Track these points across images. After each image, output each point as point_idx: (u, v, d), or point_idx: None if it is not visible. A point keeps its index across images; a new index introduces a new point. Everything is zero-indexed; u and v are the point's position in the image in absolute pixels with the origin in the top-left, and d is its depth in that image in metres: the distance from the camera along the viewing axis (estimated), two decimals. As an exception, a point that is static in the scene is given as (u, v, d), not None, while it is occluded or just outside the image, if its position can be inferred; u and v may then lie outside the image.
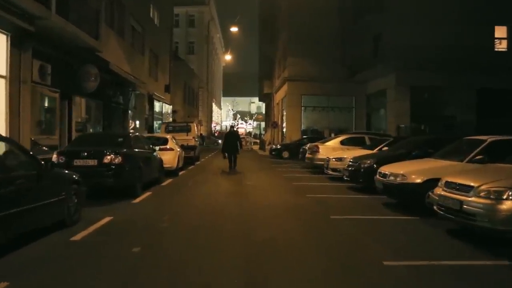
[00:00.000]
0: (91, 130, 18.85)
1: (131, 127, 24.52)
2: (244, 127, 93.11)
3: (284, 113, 36.32)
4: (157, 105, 32.65)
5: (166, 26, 36.15)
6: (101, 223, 7.63)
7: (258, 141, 52.30)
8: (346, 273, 5.16)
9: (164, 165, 14.66)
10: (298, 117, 33.65)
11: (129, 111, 24.39)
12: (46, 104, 15.61)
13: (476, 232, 6.70)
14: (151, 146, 13.75)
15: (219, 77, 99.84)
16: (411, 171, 9.08)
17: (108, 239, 6.63)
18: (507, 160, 7.39)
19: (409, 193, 8.84)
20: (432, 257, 5.66)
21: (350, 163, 13.02)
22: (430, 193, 8.56)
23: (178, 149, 17.21)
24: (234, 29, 53.36)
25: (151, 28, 29.83)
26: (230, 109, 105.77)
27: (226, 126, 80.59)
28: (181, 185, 13.70)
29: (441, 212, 6.93)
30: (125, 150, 10.58)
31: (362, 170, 12.09)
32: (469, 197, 6.32)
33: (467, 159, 8.76)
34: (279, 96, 40.33)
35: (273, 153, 29.88)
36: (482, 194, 6.19)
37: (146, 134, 20.30)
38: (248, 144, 50.00)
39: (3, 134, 10.21)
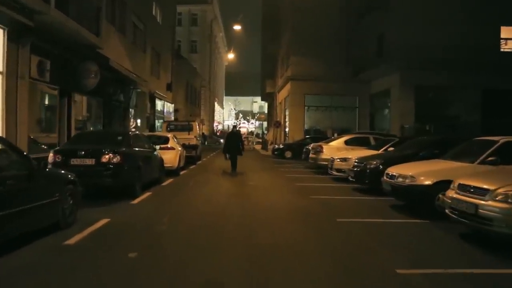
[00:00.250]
0: (91, 128, 18.55)
1: (132, 126, 24.21)
2: (246, 127, 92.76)
3: (287, 113, 35.98)
4: (159, 104, 32.33)
5: (169, 24, 35.85)
6: (98, 225, 7.30)
7: (260, 140, 51.99)
8: (357, 283, 4.81)
9: (165, 165, 14.34)
10: (301, 116, 33.33)
11: (130, 110, 24.07)
12: (45, 101, 15.32)
13: (491, 237, 6.35)
14: (151, 145, 13.42)
15: (221, 76, 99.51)
16: (420, 172, 8.74)
17: (103, 243, 6.30)
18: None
19: (418, 196, 8.50)
20: (448, 265, 5.32)
21: (356, 163, 12.69)
22: (440, 196, 8.26)
23: (179, 148, 16.88)
24: (237, 27, 53.01)
25: (153, 26, 29.51)
26: (232, 109, 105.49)
27: (228, 126, 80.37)
28: (182, 185, 13.37)
29: (454, 216, 6.60)
30: (124, 149, 10.24)
31: (368, 171, 11.75)
32: (485, 200, 5.98)
33: (478, 160, 8.41)
34: (282, 95, 40.01)
35: (276, 153, 29.58)
36: (499, 197, 5.85)
37: (146, 133, 19.96)
38: (250, 143, 49.69)
39: (-1, 132, 9.97)
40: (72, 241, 6.24)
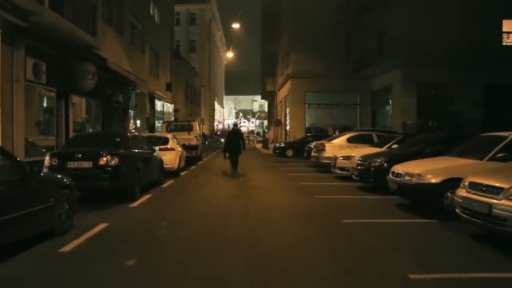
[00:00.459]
0: (90, 130, 18.31)
1: (132, 127, 23.96)
2: (247, 126, 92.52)
3: (288, 111, 35.74)
4: (158, 104, 32.07)
5: (167, 24, 35.54)
6: (95, 230, 7.04)
7: (261, 139, 51.76)
8: (368, 289, 4.55)
9: (165, 166, 14.08)
10: (302, 114, 33.08)
11: (130, 110, 23.82)
12: (42, 104, 15.05)
13: (505, 238, 6.07)
14: (150, 146, 13.16)
15: (221, 75, 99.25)
16: (427, 170, 8.47)
17: (100, 250, 6.04)
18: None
19: (426, 194, 8.23)
20: (462, 268, 5.04)
21: (359, 161, 12.42)
22: (449, 194, 8.02)
23: (179, 149, 16.62)
24: (235, 25, 52.62)
25: (151, 26, 29.24)
26: (233, 108, 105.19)
27: (229, 125, 79.96)
28: (182, 187, 13.11)
29: (465, 216, 6.33)
30: (122, 151, 9.97)
31: (372, 169, 11.48)
32: (499, 200, 5.70)
33: (487, 157, 8.13)
34: (282, 93, 39.76)
35: (277, 151, 29.33)
36: (513, 196, 5.58)
37: (145, 134, 19.70)
38: (251, 142, 49.45)
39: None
40: (67, 248, 5.98)
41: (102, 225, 7.40)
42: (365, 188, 12.19)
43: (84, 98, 17.79)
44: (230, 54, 74.89)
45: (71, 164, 9.34)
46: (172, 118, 34.68)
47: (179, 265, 5.32)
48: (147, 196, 10.81)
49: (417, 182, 8.34)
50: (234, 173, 16.72)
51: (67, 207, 6.86)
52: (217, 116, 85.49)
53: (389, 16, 24.87)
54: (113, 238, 6.77)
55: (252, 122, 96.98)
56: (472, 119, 24.00)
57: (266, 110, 67.63)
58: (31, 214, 5.80)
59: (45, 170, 9.37)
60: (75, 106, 17.68)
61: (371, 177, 11.56)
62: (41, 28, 12.45)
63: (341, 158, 14.82)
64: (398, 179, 8.90)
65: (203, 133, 41.38)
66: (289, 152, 27.49)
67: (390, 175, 9.37)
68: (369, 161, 11.87)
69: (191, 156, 20.56)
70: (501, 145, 8.17)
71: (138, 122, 26.27)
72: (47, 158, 9.53)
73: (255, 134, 69.24)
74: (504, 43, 25.26)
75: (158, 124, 30.09)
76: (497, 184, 5.89)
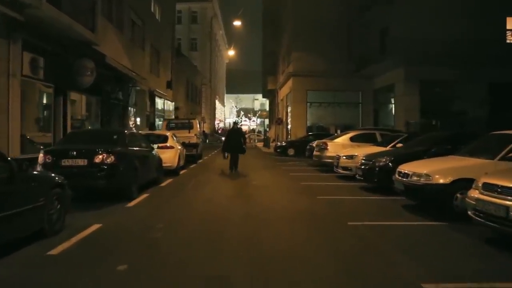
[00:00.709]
0: (89, 127, 18.02)
1: (132, 125, 23.66)
2: (248, 124, 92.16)
3: (289, 109, 35.40)
4: (159, 102, 31.78)
5: (168, 22, 35.21)
6: (87, 231, 6.70)
7: (262, 138, 51.44)
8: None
9: (164, 164, 13.76)
10: (303, 113, 32.70)
11: (130, 108, 23.51)
12: (39, 100, 14.77)
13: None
14: (149, 144, 12.83)
15: (222, 74, 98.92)
16: (435, 170, 8.11)
17: (90, 253, 5.69)
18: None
19: (434, 195, 7.89)
20: (479, 277, 4.69)
21: (363, 161, 12.07)
22: (458, 195, 7.70)
23: (179, 147, 16.29)
24: (237, 23, 52.34)
25: (152, 23, 28.91)
26: (234, 106, 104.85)
27: (230, 123, 79.68)
28: (181, 186, 12.78)
29: (479, 219, 5.98)
30: (118, 148, 9.63)
31: (377, 169, 11.12)
32: (516, 202, 5.37)
33: (498, 156, 7.76)
34: (283, 92, 39.42)
35: (278, 150, 29.00)
36: (532, 198, 5.25)
37: (143, 131, 19.38)
38: (252, 141, 49.13)
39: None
40: (56, 251, 5.63)
41: (96, 226, 7.06)
42: (369, 188, 11.84)
43: (83, 95, 17.52)
44: (231, 52, 74.68)
45: (66, 162, 9.00)
46: (173, 116, 34.37)
47: (175, 271, 4.99)
48: (144, 196, 10.47)
49: (425, 182, 7.99)
50: (235, 173, 16.33)
51: (58, 207, 6.52)
52: (218, 115, 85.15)
53: (391, 14, 24.52)
54: (106, 240, 6.43)
55: (253, 120, 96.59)
56: (476, 117, 23.69)
57: (267, 108, 67.26)
58: (18, 215, 5.45)
59: (39, 167, 9.07)
60: (75, 103, 17.43)
61: (376, 177, 11.21)
62: (38, 22, 12.16)
63: (344, 157, 14.48)
64: (405, 179, 8.55)
65: (203, 131, 41.02)
66: (291, 151, 27.18)
67: (396, 175, 9.02)
68: (373, 160, 11.52)
69: (191, 154, 20.26)
70: (513, 144, 7.82)
71: (138, 119, 25.98)
72: (41, 155, 9.21)
73: (256, 133, 68.91)
74: (508, 41, 24.88)
75: (159, 122, 29.75)
76: (513, 186, 5.55)
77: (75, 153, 9.08)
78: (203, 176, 15.69)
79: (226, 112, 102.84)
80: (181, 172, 16.29)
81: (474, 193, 6.25)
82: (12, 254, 5.44)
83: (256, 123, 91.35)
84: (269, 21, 48.89)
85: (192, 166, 19.26)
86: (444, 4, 22.91)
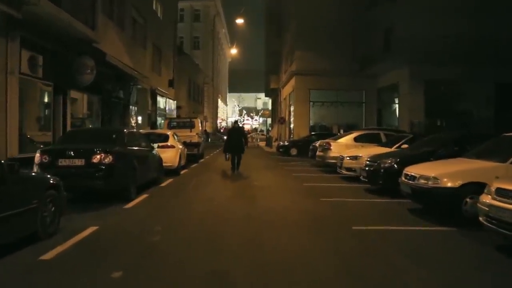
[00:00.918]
0: (90, 126, 17.80)
1: (133, 123, 23.45)
2: (250, 123, 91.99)
3: (292, 109, 35.10)
4: (161, 101, 31.55)
5: (170, 20, 34.95)
6: (83, 234, 6.46)
7: (264, 137, 51.21)
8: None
9: (164, 164, 13.52)
10: (306, 112, 32.40)
11: (131, 107, 23.27)
12: (39, 98, 14.54)
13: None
14: (149, 143, 12.57)
15: (225, 72, 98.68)
16: (444, 173, 7.83)
17: (85, 258, 5.43)
18: None
19: (443, 200, 7.61)
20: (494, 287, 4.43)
21: (368, 162, 11.81)
22: (468, 200, 7.43)
23: (180, 146, 16.05)
24: (239, 21, 51.95)
25: (154, 21, 28.65)
26: (236, 105, 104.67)
27: (232, 122, 79.39)
28: (182, 186, 12.53)
29: (492, 226, 5.71)
30: (117, 148, 9.38)
31: (382, 170, 10.85)
32: (532, 208, 5.10)
33: (511, 159, 7.49)
34: (286, 91, 39.14)
35: (281, 150, 28.71)
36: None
37: (143, 131, 19.14)
38: (254, 140, 48.90)
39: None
40: (49, 255, 5.38)
41: (92, 228, 6.82)
42: (373, 190, 11.57)
43: (85, 94, 17.30)
44: (234, 51, 74.37)
45: (63, 162, 8.76)
46: (175, 115, 34.14)
47: (174, 276, 4.74)
48: (143, 196, 10.23)
49: (433, 186, 7.71)
50: (237, 173, 16.04)
51: (52, 209, 6.28)
52: (220, 114, 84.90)
53: (396, 12, 24.18)
54: (101, 243, 6.18)
55: (256, 119, 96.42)
56: (481, 118, 23.39)
57: (270, 108, 67.00)
58: (8, 218, 5.20)
59: (35, 167, 8.84)
60: (76, 102, 17.24)
61: (381, 179, 10.93)
62: (37, 19, 11.93)
63: (348, 158, 14.21)
64: (412, 182, 8.27)
65: (205, 130, 40.78)
66: (293, 151, 26.90)
67: (403, 178, 8.75)
68: (378, 161, 11.24)
69: (193, 153, 20.03)
70: (526, 146, 7.55)
71: (140, 118, 25.77)
72: (37, 155, 8.96)
73: (258, 132, 68.68)
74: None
75: (161, 121, 29.50)
76: (529, 191, 5.28)
77: (72, 153, 8.83)
78: (204, 176, 15.44)
79: (228, 111, 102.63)
80: (182, 172, 16.04)
81: (486, 199, 5.98)
82: (1, 259, 5.20)
83: (259, 122, 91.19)
84: (271, 20, 48.60)
85: (193, 165, 19.02)
86: (449, 3, 22.51)
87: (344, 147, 16.16)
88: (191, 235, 6.65)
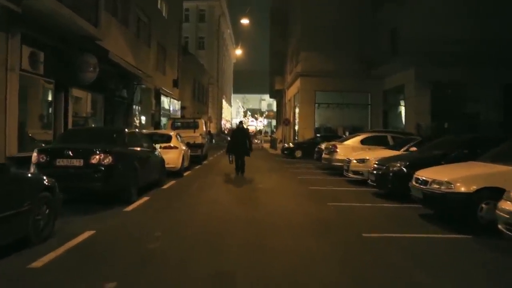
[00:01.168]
0: (93, 125, 17.53)
1: (137, 123, 23.17)
2: (255, 125, 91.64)
3: (297, 110, 34.76)
4: (165, 101, 31.26)
5: (175, 19, 34.65)
6: (78, 239, 6.12)
7: (269, 138, 50.90)
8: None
9: (167, 165, 13.18)
10: (311, 114, 32.05)
11: (134, 106, 22.98)
12: (40, 96, 14.27)
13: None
14: (151, 143, 12.25)
15: (229, 73, 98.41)
16: (457, 178, 7.45)
17: (78, 266, 5.08)
18: None
19: (457, 205, 7.24)
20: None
21: (376, 165, 11.43)
22: (483, 206, 7.07)
23: (183, 147, 15.73)
24: (244, 21, 51.60)
25: (159, 20, 28.36)
26: (241, 106, 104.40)
27: (236, 123, 79.15)
28: (184, 188, 12.21)
29: (512, 234, 5.38)
30: (117, 148, 9.06)
31: (391, 174, 10.49)
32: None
33: (528, 163, 7.13)
34: (291, 92, 38.81)
35: (285, 152, 28.38)
36: None
37: (146, 131, 18.85)
38: (258, 142, 48.60)
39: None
40: (40, 262, 5.04)
41: (88, 233, 6.49)
42: (381, 194, 11.20)
43: (88, 92, 17.03)
44: (238, 51, 74.07)
45: (61, 162, 8.44)
46: (179, 116, 33.85)
47: (172, 284, 4.41)
48: (144, 199, 9.91)
49: (447, 191, 7.33)
50: (241, 175, 15.58)
51: (46, 212, 5.96)
52: (224, 115, 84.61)
53: (402, 13, 23.87)
54: (97, 250, 5.84)
55: (260, 121, 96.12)
56: (490, 120, 23.00)
57: (275, 109, 66.70)
58: (-3, 221, 4.87)
59: (32, 167, 8.54)
60: (80, 101, 17.00)
61: (390, 183, 10.56)
62: (38, 15, 11.67)
63: (355, 161, 13.85)
64: (424, 187, 7.90)
65: (209, 131, 40.48)
66: (298, 153, 26.57)
67: (414, 182, 8.39)
68: (387, 165, 10.88)
69: (196, 155, 19.70)
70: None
71: (143, 118, 25.49)
72: (34, 154, 8.65)
73: (263, 134, 68.35)
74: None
75: (166, 121, 29.20)
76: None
77: (70, 152, 8.50)
78: (208, 178, 15.12)
79: (233, 112, 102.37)
80: (185, 173, 15.72)
81: (505, 205, 5.63)
82: (-11, 266, 4.88)
83: (263, 123, 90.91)
84: (277, 20, 48.32)
85: (196, 167, 18.70)
86: (456, 3, 22.15)
87: (350, 149, 15.79)
88: (193, 241, 6.32)
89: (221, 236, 6.73)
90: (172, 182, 13.01)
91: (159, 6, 29.04)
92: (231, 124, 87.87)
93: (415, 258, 5.71)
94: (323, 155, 17.83)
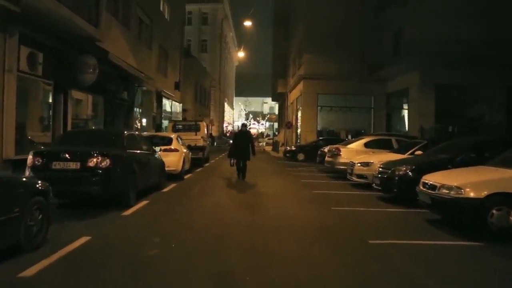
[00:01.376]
0: (93, 127, 17.30)
1: (138, 126, 22.94)
2: (257, 128, 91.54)
3: (299, 113, 34.49)
4: (166, 104, 31.06)
5: (178, 21, 34.47)
6: (73, 246, 5.87)
7: (271, 141, 50.70)
8: None
9: (167, 168, 12.95)
10: (314, 117, 31.79)
11: (135, 108, 22.75)
12: (38, 97, 14.02)
13: None
14: (150, 146, 12.00)
15: (231, 76, 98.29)
16: (467, 182, 7.17)
17: (71, 275, 4.82)
18: None
19: (467, 211, 6.97)
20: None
21: (382, 169, 11.17)
22: (494, 212, 6.79)
23: (184, 150, 15.48)
24: (247, 23, 51.48)
25: (161, 22, 28.16)
26: (243, 109, 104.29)
27: (238, 126, 78.97)
28: (185, 192, 11.96)
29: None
30: (115, 151, 8.80)
31: (397, 178, 10.23)
32: None
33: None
34: (293, 95, 38.56)
35: (288, 155, 28.20)
36: None
37: (147, 133, 18.61)
38: (260, 144, 48.40)
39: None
40: (32, 271, 4.77)
41: (84, 239, 6.24)
42: (386, 198, 10.94)
43: (88, 95, 16.81)
44: (241, 54, 74.02)
45: (57, 165, 8.17)
46: (180, 118, 33.66)
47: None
48: (143, 203, 9.64)
49: (456, 196, 7.05)
50: (242, 180, 15.10)
51: (39, 217, 5.70)
52: (227, 118, 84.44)
53: (406, 15, 23.60)
54: (92, 257, 5.57)
55: (262, 124, 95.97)
56: (494, 123, 22.72)
57: (277, 112, 66.49)
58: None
59: (27, 170, 8.30)
60: (81, 103, 16.79)
61: (395, 187, 10.30)
62: (36, 14, 11.42)
63: (359, 164, 13.59)
64: (432, 191, 7.62)
65: (210, 134, 40.28)
66: (300, 156, 26.37)
67: (421, 187, 8.12)
68: (392, 169, 10.62)
69: (197, 157, 19.48)
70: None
71: (144, 121, 25.27)
72: (29, 157, 8.39)
73: (265, 137, 68.17)
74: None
75: (165, 123, 28.98)
76: None
77: (67, 155, 8.24)
78: (209, 181, 14.87)
79: (235, 115, 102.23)
80: (186, 176, 15.47)
81: (520, 212, 5.36)
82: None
83: (265, 126, 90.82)
84: (279, 23, 48.20)
85: (198, 170, 18.46)
86: (461, 5, 21.87)
87: (354, 153, 15.54)
88: (193, 248, 6.07)
89: (223, 241, 6.49)
90: (172, 185, 12.76)
91: (161, 8, 28.85)
92: (232, 127, 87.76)
93: (425, 266, 5.43)
94: (326, 158, 17.56)
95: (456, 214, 7.31)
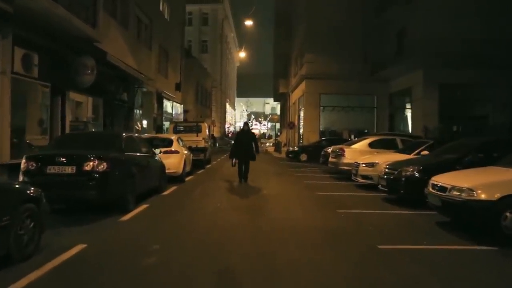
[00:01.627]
0: (93, 130, 17.04)
1: (138, 127, 22.67)
2: (259, 128, 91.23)
3: (301, 113, 34.20)
4: (167, 105, 30.79)
5: (178, 22, 34.19)
6: (67, 255, 5.57)
7: (273, 142, 50.51)
8: None
9: (168, 170, 12.66)
10: (316, 117, 31.48)
11: (136, 110, 22.47)
12: (35, 100, 13.76)
13: None
14: (150, 148, 11.70)
15: (233, 77, 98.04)
16: (479, 184, 6.85)
17: (64, 286, 4.54)
18: None
19: (479, 214, 6.66)
20: None
21: (388, 170, 10.85)
22: (507, 215, 6.49)
23: (185, 152, 15.20)
24: (248, 22, 51.21)
25: (161, 22, 27.87)
26: (244, 110, 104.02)
27: (240, 127, 78.69)
28: (186, 195, 11.66)
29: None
30: (113, 154, 8.51)
31: (403, 179, 9.92)
32: None
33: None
34: (295, 95, 38.28)
35: (290, 155, 27.94)
36: None
37: (148, 135, 18.33)
38: (263, 145, 48.16)
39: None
40: (22, 283, 4.47)
41: (80, 247, 5.95)
42: (392, 200, 10.63)
43: (88, 97, 16.54)
44: (242, 54, 73.77)
45: (51, 169, 7.85)
46: (182, 119, 33.40)
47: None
48: (143, 207, 9.35)
49: (468, 198, 6.75)
50: (244, 181, 14.63)
51: (31, 225, 5.41)
52: (228, 118, 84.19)
53: (409, 14, 23.29)
54: (88, 266, 5.28)
55: (264, 124, 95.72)
56: (498, 122, 22.41)
57: (279, 112, 66.25)
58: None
59: (21, 175, 8.01)
60: (81, 105, 16.54)
61: (402, 188, 9.99)
62: (31, 14, 11.14)
63: (364, 165, 13.29)
64: (442, 193, 7.30)
65: (212, 135, 40.00)
66: (303, 157, 26.11)
67: (430, 188, 7.80)
68: (399, 169, 10.31)
69: (199, 159, 19.20)
70: None
71: (145, 122, 25.00)
72: (23, 161, 8.08)
73: (267, 137, 67.94)
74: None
75: (166, 125, 28.71)
76: None
77: (62, 159, 7.94)
78: (211, 183, 14.58)
79: (236, 115, 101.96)
80: (187, 178, 15.18)
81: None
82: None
83: (267, 127, 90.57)
84: (281, 22, 47.90)
85: (199, 171, 18.17)
86: (464, 5, 21.55)
87: (358, 153, 15.21)
88: (193, 256, 5.78)
89: (224, 246, 6.23)
90: (173, 188, 12.47)
91: (161, 8, 28.56)
92: (234, 128, 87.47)
93: (439, 273, 5.13)
94: (330, 159, 17.26)
95: (468, 217, 7.00)
